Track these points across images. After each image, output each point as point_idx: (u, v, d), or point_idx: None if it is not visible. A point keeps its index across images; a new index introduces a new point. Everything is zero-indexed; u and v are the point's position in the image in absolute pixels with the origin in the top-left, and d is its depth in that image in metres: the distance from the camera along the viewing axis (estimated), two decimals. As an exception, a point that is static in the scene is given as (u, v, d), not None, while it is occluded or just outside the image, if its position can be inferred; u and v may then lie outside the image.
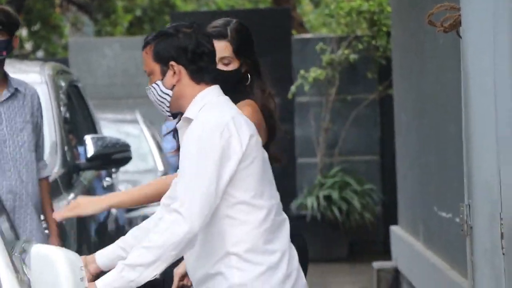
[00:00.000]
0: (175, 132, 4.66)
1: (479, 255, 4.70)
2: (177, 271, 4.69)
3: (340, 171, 13.38)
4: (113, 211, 8.51)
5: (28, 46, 23.68)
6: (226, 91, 4.38)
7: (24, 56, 20.30)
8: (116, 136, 8.63)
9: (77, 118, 7.83)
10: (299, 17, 18.26)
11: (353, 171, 13.45)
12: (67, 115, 7.52)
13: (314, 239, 12.05)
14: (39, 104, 6.29)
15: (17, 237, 4.98)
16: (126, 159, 7.63)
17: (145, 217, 7.70)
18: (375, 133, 13.66)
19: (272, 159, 4.49)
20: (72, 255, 3.61)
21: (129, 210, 10.32)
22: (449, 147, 6.72)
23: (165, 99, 4.23)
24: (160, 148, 12.71)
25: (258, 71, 4.80)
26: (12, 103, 6.01)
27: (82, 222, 6.90)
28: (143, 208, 9.45)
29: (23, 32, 21.48)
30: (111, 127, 10.59)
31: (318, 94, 13.70)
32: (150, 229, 4.29)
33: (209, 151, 4.04)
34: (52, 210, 6.38)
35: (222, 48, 4.60)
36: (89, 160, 7.13)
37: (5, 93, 5.96)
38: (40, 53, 22.53)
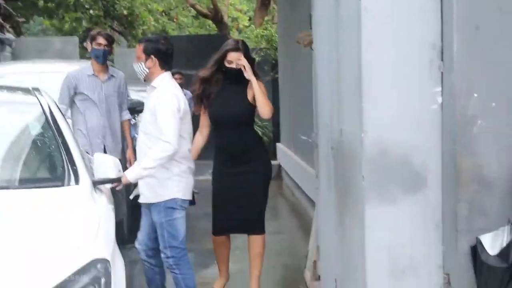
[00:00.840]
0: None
1: (321, 157, 6.21)
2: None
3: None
4: None
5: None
6: (233, 82, 6.40)
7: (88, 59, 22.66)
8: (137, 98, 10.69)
9: None
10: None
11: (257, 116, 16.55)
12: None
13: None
14: (125, 82, 8.26)
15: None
16: (140, 110, 9.50)
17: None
18: (270, 97, 16.72)
19: None
20: (116, 160, 5.06)
21: None
22: (306, 102, 7.31)
23: (143, 72, 6.02)
24: None
25: (253, 66, 6.47)
26: (109, 82, 7.92)
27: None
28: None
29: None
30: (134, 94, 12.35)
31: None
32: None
33: (172, 107, 5.82)
34: (130, 137, 8.39)
35: (237, 55, 6.31)
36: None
37: (106, 76, 7.96)
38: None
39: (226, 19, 22.62)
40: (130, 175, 5.69)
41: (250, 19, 26.50)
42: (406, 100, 4.58)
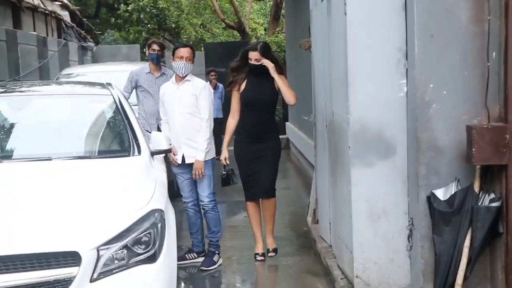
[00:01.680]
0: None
1: (318, 132, 6.24)
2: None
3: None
4: None
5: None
6: (256, 74, 5.90)
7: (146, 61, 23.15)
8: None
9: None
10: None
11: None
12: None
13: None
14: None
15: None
16: None
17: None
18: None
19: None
20: (167, 136, 5.10)
21: None
22: (306, 91, 7.18)
23: (189, 69, 5.78)
24: None
25: (278, 65, 5.96)
26: (161, 78, 7.64)
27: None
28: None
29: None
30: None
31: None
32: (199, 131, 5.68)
33: (210, 94, 5.81)
34: None
35: (256, 54, 5.88)
36: None
37: (159, 74, 7.72)
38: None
39: (247, 29, 22.47)
40: (201, 158, 5.69)
41: (265, 30, 26.39)
42: (380, 90, 4.59)
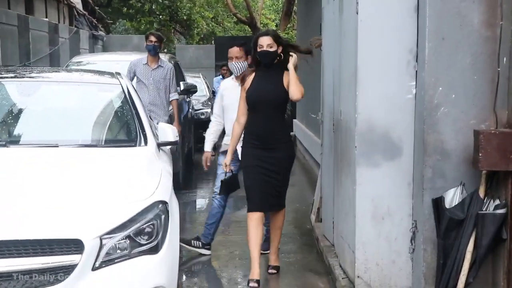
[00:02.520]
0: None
1: (325, 131, 6.17)
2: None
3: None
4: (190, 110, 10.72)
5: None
6: (270, 63, 5.24)
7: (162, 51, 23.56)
8: (191, 82, 10.88)
9: (177, 73, 9.49)
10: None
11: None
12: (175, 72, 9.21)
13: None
14: (171, 71, 8.11)
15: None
16: (194, 91, 10.01)
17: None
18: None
19: None
20: (174, 128, 4.97)
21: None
22: (315, 89, 6.99)
23: (243, 68, 5.77)
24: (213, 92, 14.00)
25: (288, 52, 5.28)
26: (158, 70, 7.86)
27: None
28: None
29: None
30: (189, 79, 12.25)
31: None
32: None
33: None
34: (177, 113, 8.20)
35: (268, 39, 5.20)
36: (181, 90, 9.27)
37: (155, 65, 7.88)
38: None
39: (258, 24, 22.47)
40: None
41: (276, 26, 26.40)
42: (389, 91, 4.58)
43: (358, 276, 4.71)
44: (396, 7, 4.51)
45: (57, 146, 4.26)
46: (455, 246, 4.10)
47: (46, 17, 16.60)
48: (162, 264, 3.52)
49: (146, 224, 3.50)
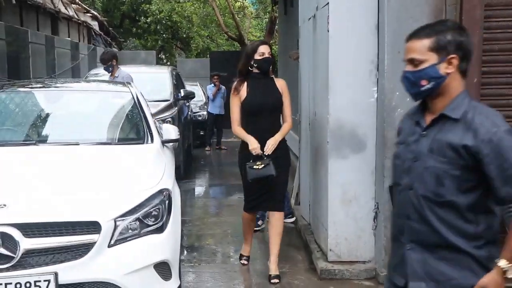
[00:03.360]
0: None
1: (302, 129, 6.11)
2: None
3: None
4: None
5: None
6: (259, 74, 4.65)
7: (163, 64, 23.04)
8: (190, 89, 10.67)
9: (178, 82, 9.61)
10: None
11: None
12: (176, 81, 9.35)
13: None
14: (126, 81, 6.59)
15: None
16: (193, 97, 9.79)
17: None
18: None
19: None
20: (176, 128, 4.90)
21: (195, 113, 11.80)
22: (294, 94, 6.73)
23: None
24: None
25: (274, 65, 4.88)
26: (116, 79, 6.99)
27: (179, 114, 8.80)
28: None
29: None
30: (188, 86, 11.97)
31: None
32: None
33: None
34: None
35: (267, 47, 4.68)
36: (182, 96, 9.18)
37: (112, 78, 7.14)
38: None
39: (246, 41, 22.41)
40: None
41: (261, 42, 26.43)
42: (355, 95, 4.56)
43: (330, 249, 4.70)
44: (360, 26, 4.49)
45: (78, 144, 4.23)
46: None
47: (69, 37, 16.54)
48: (166, 241, 3.49)
49: (153, 208, 3.48)
